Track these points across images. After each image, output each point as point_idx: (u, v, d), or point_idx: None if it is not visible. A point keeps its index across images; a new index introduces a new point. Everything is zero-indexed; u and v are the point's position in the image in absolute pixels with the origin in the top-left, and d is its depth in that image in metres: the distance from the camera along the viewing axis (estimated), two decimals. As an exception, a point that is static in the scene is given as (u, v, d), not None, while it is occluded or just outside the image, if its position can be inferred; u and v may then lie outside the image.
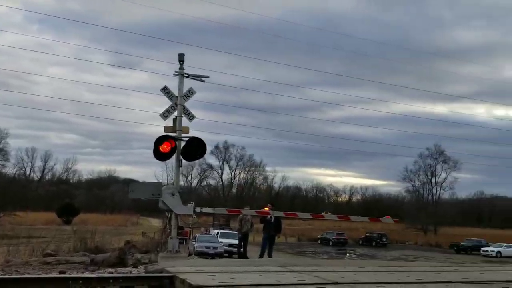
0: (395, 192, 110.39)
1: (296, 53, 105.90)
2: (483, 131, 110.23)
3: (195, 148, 11.41)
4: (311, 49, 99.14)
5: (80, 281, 6.61)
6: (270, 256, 15.81)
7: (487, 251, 49.34)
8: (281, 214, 12.95)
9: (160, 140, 11.10)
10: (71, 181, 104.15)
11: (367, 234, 60.01)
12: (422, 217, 75.67)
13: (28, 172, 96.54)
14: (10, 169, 74.63)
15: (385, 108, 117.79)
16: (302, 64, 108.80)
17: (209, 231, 44.56)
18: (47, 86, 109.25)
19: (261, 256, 15.72)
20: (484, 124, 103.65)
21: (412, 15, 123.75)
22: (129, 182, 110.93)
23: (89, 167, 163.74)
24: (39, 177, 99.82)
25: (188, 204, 11.66)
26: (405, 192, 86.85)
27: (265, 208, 12.72)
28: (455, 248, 53.26)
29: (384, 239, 57.09)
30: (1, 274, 9.69)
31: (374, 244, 56.32)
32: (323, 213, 11.73)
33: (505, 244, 50.88)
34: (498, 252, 48.62)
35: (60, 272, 10.39)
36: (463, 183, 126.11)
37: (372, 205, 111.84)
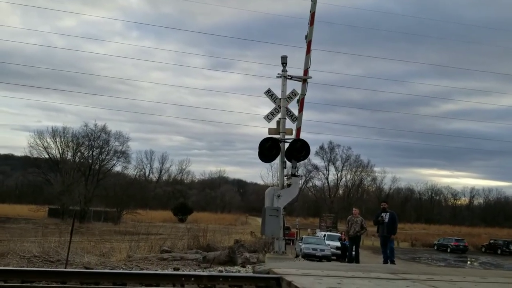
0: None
1: (396, 43, 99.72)
2: None
3: (299, 150, 11.38)
4: (413, 38, 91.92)
5: (192, 278, 6.93)
6: (391, 262, 14.45)
7: None
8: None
9: (264, 142, 11.26)
10: (185, 181, 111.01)
11: (491, 241, 54.67)
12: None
13: (147, 173, 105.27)
14: (131, 171, 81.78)
15: (506, 100, 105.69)
16: (404, 55, 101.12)
17: (315, 233, 44.35)
18: (151, 91, 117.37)
19: (384, 262, 14.73)
20: None
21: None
22: (238, 182, 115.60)
23: (199, 168, 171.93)
24: (157, 178, 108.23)
25: (288, 184, 11.77)
26: (537, 195, 77.39)
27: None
28: None
29: (511, 247, 51.49)
30: (123, 269, 10.60)
31: (499, 252, 51.05)
32: None
33: None
34: None
35: (175, 269, 11.07)
36: None
37: (497, 209, 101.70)
